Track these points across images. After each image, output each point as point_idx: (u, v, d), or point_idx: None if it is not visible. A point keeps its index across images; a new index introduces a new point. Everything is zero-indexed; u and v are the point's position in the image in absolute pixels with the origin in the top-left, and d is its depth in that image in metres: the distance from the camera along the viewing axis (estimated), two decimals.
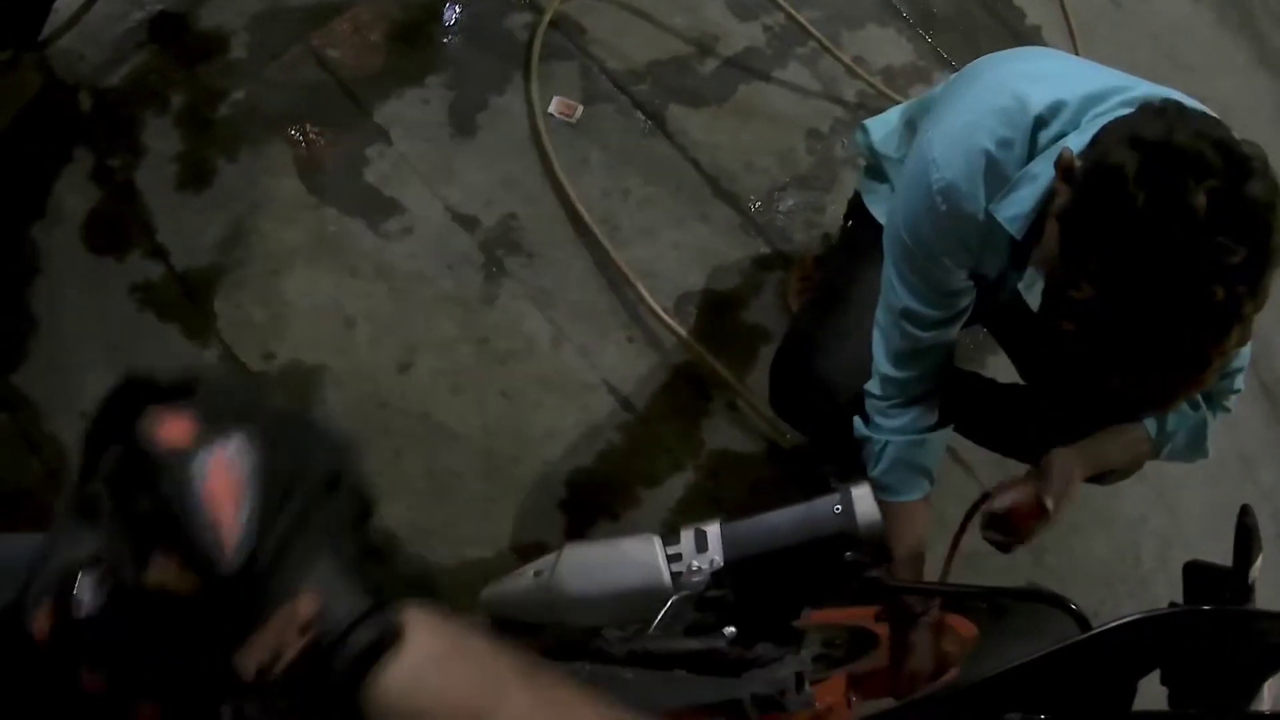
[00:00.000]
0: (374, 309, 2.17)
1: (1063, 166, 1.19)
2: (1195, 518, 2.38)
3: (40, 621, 0.54)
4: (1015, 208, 1.29)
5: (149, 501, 0.54)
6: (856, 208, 1.78)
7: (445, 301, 2.18)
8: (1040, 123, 1.29)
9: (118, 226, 2.23)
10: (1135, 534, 2.30)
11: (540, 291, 2.20)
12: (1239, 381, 1.57)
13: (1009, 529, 1.44)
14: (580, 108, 2.32)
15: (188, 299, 2.18)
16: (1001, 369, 1.92)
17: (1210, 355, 1.10)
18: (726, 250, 2.29)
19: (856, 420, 1.59)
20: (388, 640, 0.58)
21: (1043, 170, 1.25)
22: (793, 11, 2.40)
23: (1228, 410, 1.60)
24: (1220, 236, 1.04)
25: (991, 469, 2.02)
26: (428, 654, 0.60)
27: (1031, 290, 1.44)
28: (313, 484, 0.59)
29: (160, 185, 2.26)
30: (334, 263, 2.20)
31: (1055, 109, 1.29)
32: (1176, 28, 2.97)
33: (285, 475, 0.57)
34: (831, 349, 1.68)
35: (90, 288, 2.19)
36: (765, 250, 2.30)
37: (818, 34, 2.42)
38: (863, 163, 1.82)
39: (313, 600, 0.57)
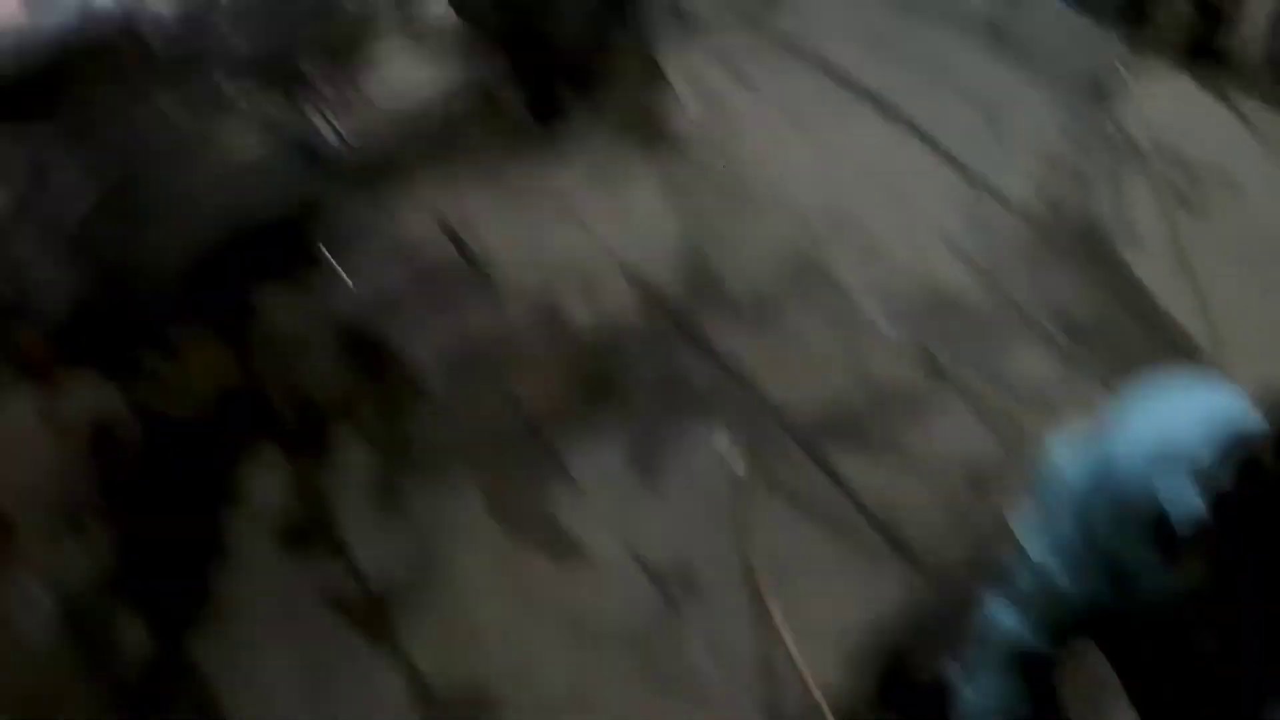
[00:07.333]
0: (552, 643, 2.25)
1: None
2: None
3: None
4: (1188, 500, 1.29)
5: None
6: None
7: (622, 641, 2.27)
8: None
9: (308, 531, 2.37)
10: None
11: (715, 638, 2.26)
12: None
13: None
14: (752, 454, 2.46)
15: (374, 612, 2.28)
16: None
17: None
18: (899, 598, 2.33)
19: None
20: None
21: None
22: (947, 366, 2.57)
23: None
24: None
25: None
26: None
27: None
28: None
29: (351, 497, 2.41)
30: (515, 594, 2.30)
31: None
32: None
33: None
34: None
35: (276, 582, 2.31)
36: (933, 599, 2.34)
37: (971, 379, 2.54)
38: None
39: None
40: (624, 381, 2.60)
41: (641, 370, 2.62)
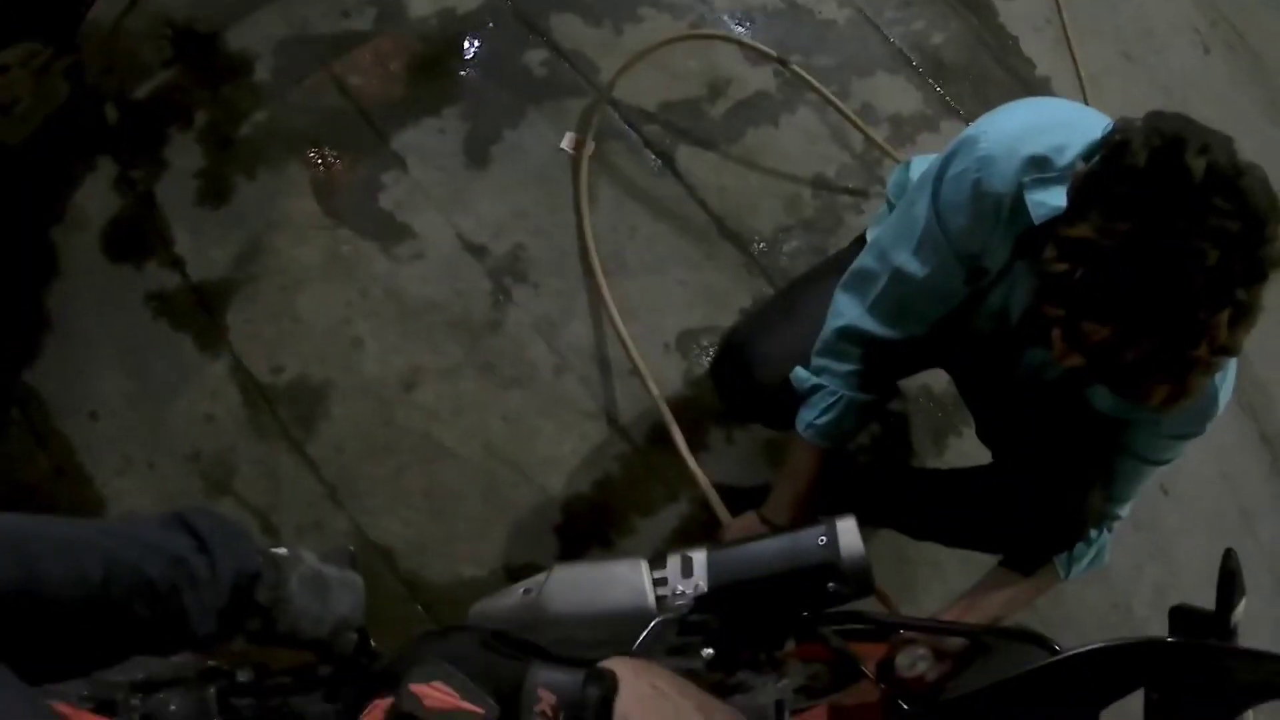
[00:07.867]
0: (382, 330, 2.23)
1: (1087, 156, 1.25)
2: (1193, 568, 2.39)
3: None
4: (1049, 199, 1.31)
5: None
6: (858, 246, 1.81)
7: (451, 326, 2.24)
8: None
9: (136, 236, 2.30)
10: (1129, 584, 2.32)
11: (545, 321, 2.27)
12: (1125, 509, 1.69)
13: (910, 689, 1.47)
14: (592, 144, 2.40)
15: (201, 310, 2.24)
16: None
17: (1202, 322, 1.11)
18: (730, 289, 2.36)
19: (799, 370, 1.68)
20: (610, 687, 0.90)
21: None
22: (800, 70, 2.49)
23: (1120, 518, 1.70)
24: (1216, 199, 1.09)
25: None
26: (634, 693, 0.91)
27: (1019, 294, 1.50)
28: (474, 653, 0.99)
29: (180, 199, 2.32)
30: (345, 283, 2.26)
31: None
32: (1188, 80, 3.04)
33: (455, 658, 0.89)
34: (762, 343, 1.79)
35: (106, 293, 2.25)
36: (768, 290, 2.36)
37: (822, 88, 2.50)
38: (887, 202, 1.85)
39: (548, 695, 0.90)
40: (461, 71, 2.49)
41: (480, 61, 2.50)
